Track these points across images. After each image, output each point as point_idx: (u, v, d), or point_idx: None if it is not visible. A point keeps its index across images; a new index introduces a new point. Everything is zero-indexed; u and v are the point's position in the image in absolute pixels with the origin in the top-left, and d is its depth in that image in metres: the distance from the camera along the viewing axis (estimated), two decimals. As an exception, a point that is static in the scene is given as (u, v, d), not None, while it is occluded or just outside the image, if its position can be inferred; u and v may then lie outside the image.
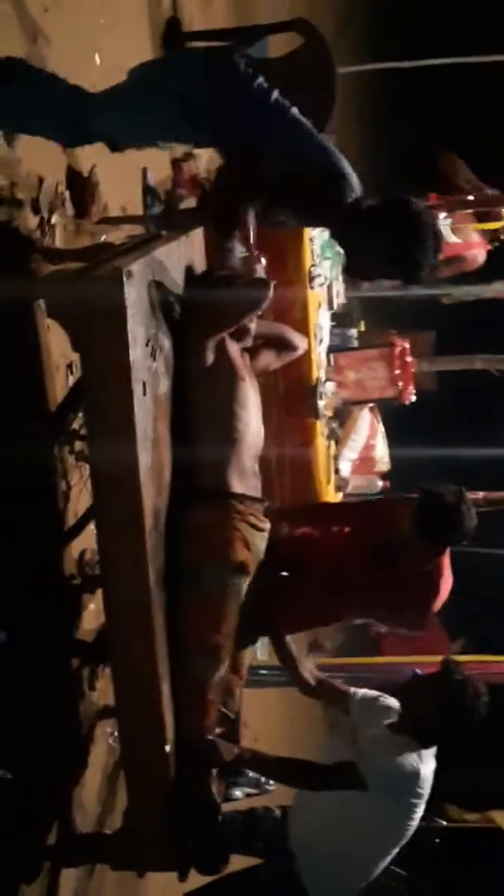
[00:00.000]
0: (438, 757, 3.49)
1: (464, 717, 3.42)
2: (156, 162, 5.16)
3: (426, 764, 3.42)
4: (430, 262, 3.27)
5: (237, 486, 3.56)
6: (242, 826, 3.55)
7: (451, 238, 6.29)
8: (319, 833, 3.46)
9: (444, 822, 8.57)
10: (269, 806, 3.64)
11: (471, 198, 5.35)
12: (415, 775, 3.37)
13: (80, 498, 3.93)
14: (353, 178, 3.35)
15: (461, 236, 6.22)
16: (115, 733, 4.14)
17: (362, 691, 3.73)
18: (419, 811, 3.44)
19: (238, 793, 3.68)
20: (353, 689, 3.76)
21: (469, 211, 6.08)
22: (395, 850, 3.52)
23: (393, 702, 3.63)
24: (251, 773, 3.66)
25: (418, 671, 4.74)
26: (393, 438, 6.04)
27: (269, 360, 3.95)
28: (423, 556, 3.89)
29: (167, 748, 3.31)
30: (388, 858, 3.52)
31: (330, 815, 3.44)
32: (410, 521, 3.82)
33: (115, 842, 3.59)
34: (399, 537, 3.90)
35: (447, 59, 8.58)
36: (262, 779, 3.71)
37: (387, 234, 3.26)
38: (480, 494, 6.36)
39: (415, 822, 3.45)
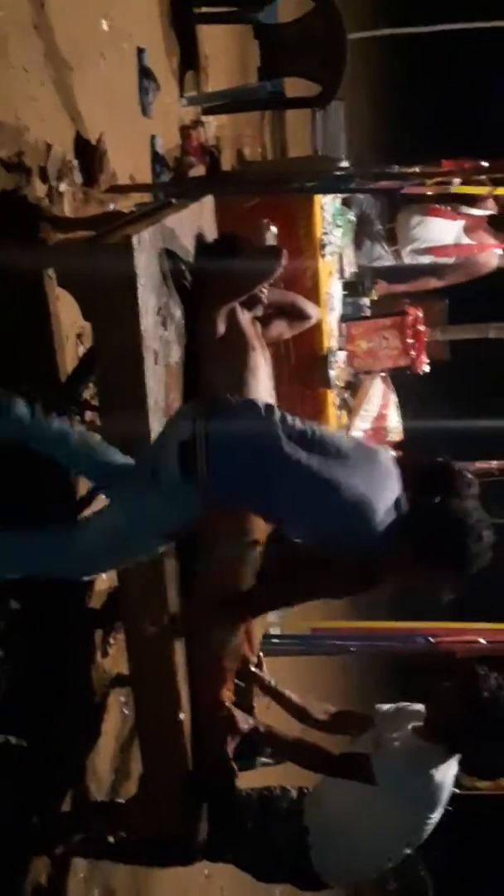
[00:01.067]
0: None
1: (497, 728, 3.30)
2: (164, 129, 5.12)
3: (449, 772, 3.34)
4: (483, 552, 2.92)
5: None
6: (258, 804, 3.53)
7: (464, 239, 6.24)
8: (335, 817, 3.40)
9: (456, 790, 8.63)
10: (285, 786, 3.61)
11: (483, 163, 5.28)
12: (438, 786, 3.27)
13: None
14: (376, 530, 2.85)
15: (474, 238, 6.17)
16: (128, 701, 4.18)
17: (385, 706, 3.59)
18: (436, 818, 3.34)
19: (255, 761, 3.68)
20: (375, 707, 3.62)
21: (483, 213, 6.01)
22: (408, 851, 3.48)
23: (418, 707, 3.51)
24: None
25: (430, 639, 4.74)
26: (406, 408, 6.01)
27: (281, 329, 3.93)
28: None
29: (182, 716, 3.32)
30: (401, 856, 3.47)
31: (348, 803, 3.36)
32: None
33: (130, 808, 3.61)
34: None
35: (456, 24, 8.49)
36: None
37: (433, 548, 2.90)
38: (494, 464, 6.34)
39: (430, 827, 3.36)
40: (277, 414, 2.88)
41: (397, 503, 2.87)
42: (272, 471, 2.79)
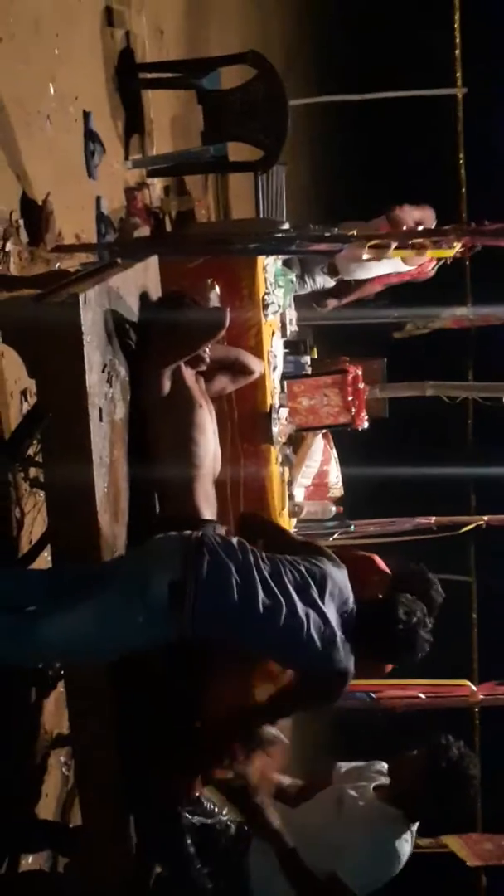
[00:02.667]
0: None
1: (459, 801, 3.38)
2: (110, 191, 5.19)
3: (410, 840, 3.35)
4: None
5: (206, 513, 3.57)
6: (198, 836, 3.48)
7: (403, 268, 6.41)
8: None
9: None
10: (228, 822, 3.57)
11: (421, 227, 5.45)
12: (397, 856, 3.29)
13: (34, 524, 3.92)
14: (341, 660, 3.14)
15: (412, 262, 6.34)
16: (68, 762, 4.13)
17: (346, 765, 3.62)
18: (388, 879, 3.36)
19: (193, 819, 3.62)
20: (336, 765, 3.65)
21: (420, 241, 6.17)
22: None
23: (381, 765, 3.56)
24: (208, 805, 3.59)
25: (372, 695, 4.77)
26: (346, 464, 6.09)
27: (224, 383, 3.98)
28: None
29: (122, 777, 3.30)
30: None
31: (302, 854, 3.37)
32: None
33: (69, 871, 3.56)
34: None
35: (392, 92, 8.77)
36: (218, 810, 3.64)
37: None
38: (432, 519, 6.44)
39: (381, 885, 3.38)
40: (252, 557, 3.08)
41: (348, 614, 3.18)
42: (250, 616, 2.99)
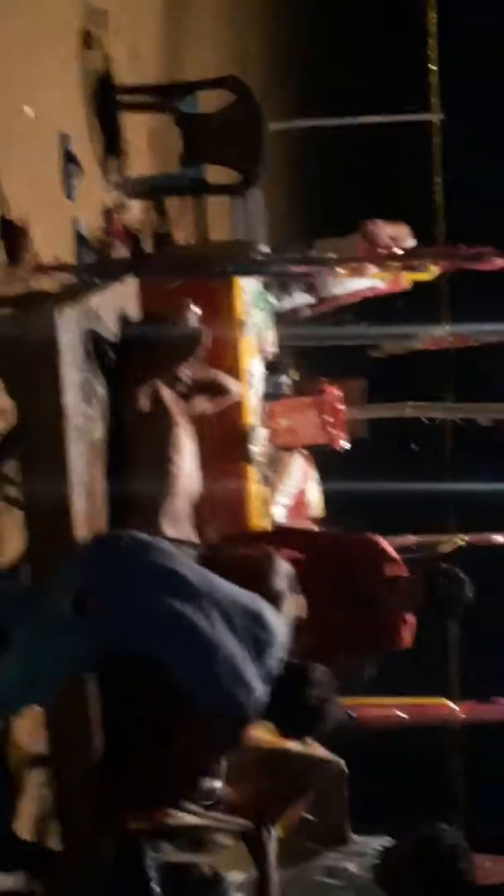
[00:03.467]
0: None
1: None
2: (88, 212, 5.21)
3: None
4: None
5: (170, 532, 3.57)
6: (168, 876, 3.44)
7: (379, 283, 6.46)
8: None
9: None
10: (198, 864, 3.52)
11: (398, 251, 5.50)
12: None
13: (10, 544, 3.91)
14: (244, 697, 2.92)
15: (387, 279, 6.41)
16: (47, 782, 4.10)
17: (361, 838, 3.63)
18: None
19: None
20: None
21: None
22: None
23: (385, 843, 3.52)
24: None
25: (352, 714, 4.76)
26: (325, 484, 6.10)
27: (203, 405, 3.99)
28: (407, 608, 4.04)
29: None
30: None
31: None
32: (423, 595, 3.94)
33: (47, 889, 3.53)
34: (375, 581, 3.94)
35: (370, 117, 8.86)
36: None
37: None
38: (411, 538, 6.45)
39: None
40: (178, 565, 2.94)
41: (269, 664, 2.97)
42: (161, 625, 2.86)
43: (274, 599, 3.19)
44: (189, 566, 3.04)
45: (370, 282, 6.54)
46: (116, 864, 3.30)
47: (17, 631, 2.93)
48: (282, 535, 4.51)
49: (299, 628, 3.65)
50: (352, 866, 3.39)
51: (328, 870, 3.41)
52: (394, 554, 4.16)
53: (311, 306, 6.78)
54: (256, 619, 3.03)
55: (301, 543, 4.16)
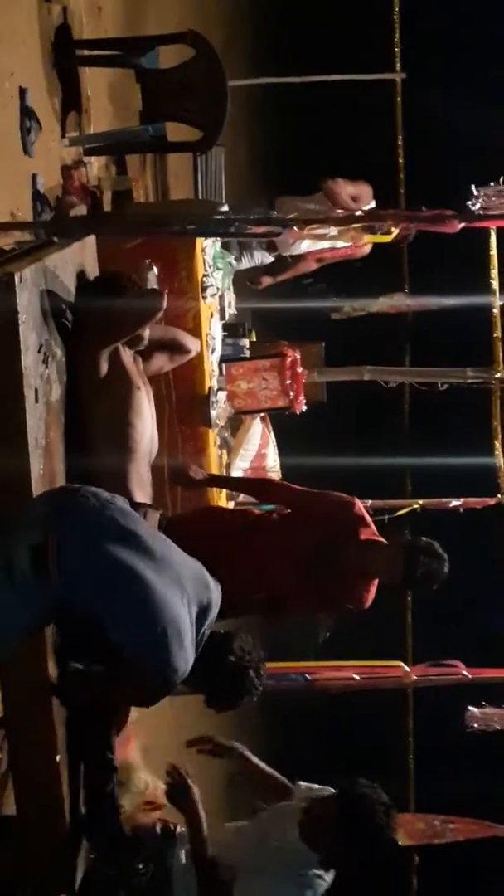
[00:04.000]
0: None
1: (371, 849, 3.31)
2: (46, 169, 5.12)
3: (318, 883, 3.32)
4: None
5: (139, 496, 3.55)
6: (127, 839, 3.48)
7: (339, 244, 6.41)
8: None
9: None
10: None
11: (359, 213, 5.45)
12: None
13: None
14: (180, 660, 2.96)
15: (348, 239, 6.36)
16: (1, 744, 4.09)
17: (305, 785, 3.61)
18: None
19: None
20: (297, 783, 3.63)
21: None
22: None
23: (328, 793, 3.51)
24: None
25: (307, 677, 4.79)
26: (284, 448, 6.11)
27: (161, 362, 3.97)
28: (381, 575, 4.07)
29: (58, 757, 3.28)
30: None
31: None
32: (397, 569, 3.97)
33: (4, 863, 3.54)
34: (348, 541, 3.99)
35: (333, 76, 8.76)
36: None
37: None
38: (368, 503, 6.48)
39: None
40: (132, 523, 2.96)
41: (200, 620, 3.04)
42: (114, 580, 2.88)
43: None
44: (145, 527, 3.05)
45: (330, 241, 6.50)
46: (84, 821, 3.34)
47: None
48: (268, 488, 4.50)
49: (262, 577, 3.70)
50: (285, 825, 3.42)
51: (265, 835, 3.43)
52: (369, 518, 4.17)
53: (271, 273, 6.75)
54: (204, 586, 3.09)
55: (287, 497, 4.22)
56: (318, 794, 3.53)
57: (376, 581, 4.10)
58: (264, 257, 6.66)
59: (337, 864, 3.34)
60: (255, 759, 3.69)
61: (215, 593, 3.14)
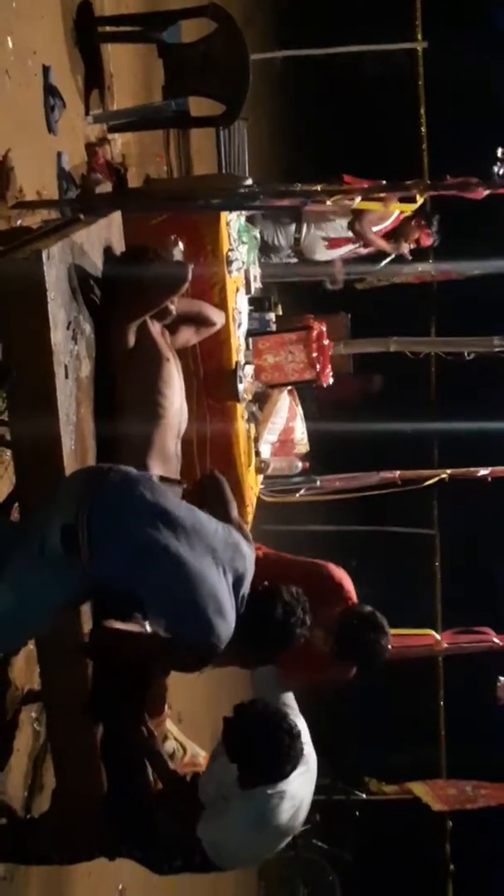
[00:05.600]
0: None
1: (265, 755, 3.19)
2: (70, 146, 5.15)
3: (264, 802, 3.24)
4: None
5: (157, 470, 3.59)
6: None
7: (381, 225, 6.51)
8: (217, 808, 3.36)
9: (364, 795, 8.78)
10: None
11: (384, 182, 5.45)
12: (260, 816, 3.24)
13: (1, 483, 3.93)
14: (222, 629, 3.03)
15: (387, 215, 6.47)
16: (40, 717, 4.18)
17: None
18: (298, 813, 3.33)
19: None
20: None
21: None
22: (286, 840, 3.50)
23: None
24: None
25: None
26: (311, 420, 6.13)
27: (188, 335, 4.00)
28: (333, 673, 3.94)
29: (94, 729, 3.35)
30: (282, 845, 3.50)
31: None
32: (331, 641, 3.81)
33: (43, 824, 3.62)
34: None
35: (354, 46, 8.72)
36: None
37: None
38: (396, 473, 6.51)
39: (290, 821, 3.34)
40: (163, 499, 2.99)
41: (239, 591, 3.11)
42: (148, 558, 2.93)
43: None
44: (176, 501, 3.10)
45: (353, 245, 6.68)
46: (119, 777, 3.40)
47: (5, 568, 2.97)
48: None
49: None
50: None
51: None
52: (350, 590, 4.01)
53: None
54: (236, 551, 3.13)
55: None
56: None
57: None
58: (290, 260, 6.78)
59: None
60: None
61: (249, 555, 3.19)
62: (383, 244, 6.59)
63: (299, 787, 3.30)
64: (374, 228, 6.58)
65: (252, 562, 3.20)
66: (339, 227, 6.58)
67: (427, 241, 6.66)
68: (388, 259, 6.79)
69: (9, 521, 3.36)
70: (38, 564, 2.92)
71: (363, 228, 6.46)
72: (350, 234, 6.58)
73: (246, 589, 3.14)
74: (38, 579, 2.94)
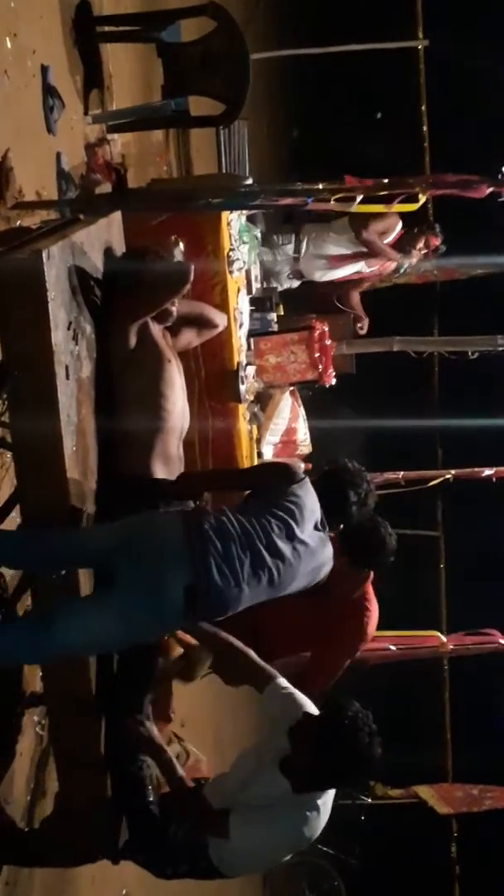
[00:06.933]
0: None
1: (343, 755, 3.18)
2: (70, 147, 5.12)
3: (314, 820, 3.25)
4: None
5: (159, 472, 3.56)
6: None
7: (365, 269, 6.54)
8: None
9: (369, 800, 8.75)
10: None
11: (385, 180, 5.42)
12: (296, 834, 3.25)
13: (1, 485, 3.89)
14: None
15: (372, 264, 6.55)
16: (42, 721, 4.15)
17: (285, 686, 3.49)
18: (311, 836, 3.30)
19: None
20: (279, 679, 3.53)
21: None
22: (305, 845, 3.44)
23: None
24: None
25: None
26: (313, 420, 6.10)
27: (190, 337, 3.97)
28: (352, 584, 4.04)
29: (98, 732, 3.32)
30: (294, 851, 3.45)
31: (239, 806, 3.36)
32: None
33: (46, 826, 3.59)
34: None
35: (354, 45, 8.68)
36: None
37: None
38: (400, 474, 6.47)
39: (314, 834, 3.32)
40: (244, 530, 3.18)
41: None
42: (247, 594, 3.17)
43: None
44: (237, 525, 3.19)
45: (356, 267, 6.69)
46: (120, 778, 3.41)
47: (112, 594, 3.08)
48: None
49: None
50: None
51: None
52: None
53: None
54: (301, 509, 3.32)
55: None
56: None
57: (371, 609, 4.06)
58: (291, 283, 6.74)
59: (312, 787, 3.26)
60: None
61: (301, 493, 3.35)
62: (392, 253, 6.56)
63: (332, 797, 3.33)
64: (365, 270, 6.63)
65: (312, 494, 3.39)
66: (340, 242, 6.56)
67: (436, 242, 6.64)
68: (401, 269, 6.78)
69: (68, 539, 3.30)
70: (154, 609, 3.07)
71: (370, 236, 6.44)
72: (350, 251, 6.56)
73: (318, 517, 3.37)
74: (147, 620, 3.10)
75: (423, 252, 6.63)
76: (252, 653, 3.43)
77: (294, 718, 3.29)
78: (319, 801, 3.24)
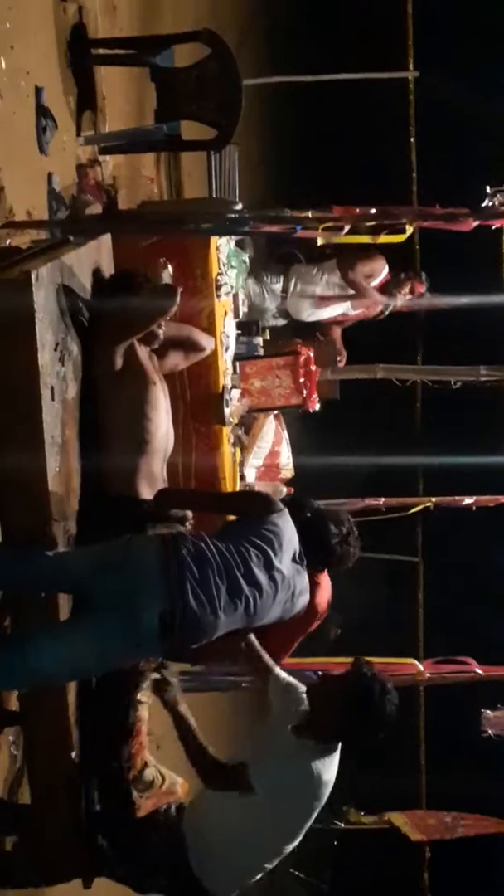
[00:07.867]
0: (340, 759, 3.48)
1: (372, 714, 3.36)
2: (61, 168, 5.15)
3: (328, 769, 3.39)
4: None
5: (143, 493, 3.58)
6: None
7: (352, 311, 6.61)
8: (213, 822, 3.41)
9: (342, 825, 8.72)
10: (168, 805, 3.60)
11: (373, 210, 5.46)
12: (315, 782, 3.35)
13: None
14: None
15: (360, 305, 6.59)
16: (17, 741, 4.13)
17: (288, 679, 3.68)
18: (314, 815, 3.41)
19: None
20: (278, 670, 3.71)
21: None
22: (287, 850, 3.51)
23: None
24: None
25: (320, 674, 4.80)
26: (297, 445, 6.12)
27: (176, 360, 4.00)
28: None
29: (73, 754, 3.31)
30: (278, 858, 3.51)
31: (226, 809, 3.39)
32: None
33: (18, 849, 3.57)
34: None
35: (346, 74, 8.77)
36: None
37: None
38: (381, 500, 6.49)
39: (308, 824, 3.43)
40: (222, 557, 3.20)
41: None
42: (224, 620, 3.20)
43: None
44: (216, 551, 3.21)
45: (343, 308, 6.75)
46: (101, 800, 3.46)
47: (87, 618, 3.10)
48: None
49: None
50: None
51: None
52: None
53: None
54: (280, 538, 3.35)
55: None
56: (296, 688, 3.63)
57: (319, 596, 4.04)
58: (277, 321, 6.79)
59: (340, 738, 3.42)
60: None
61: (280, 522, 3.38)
62: (377, 296, 6.64)
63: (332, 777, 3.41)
64: (352, 312, 6.71)
65: (290, 524, 3.41)
66: (328, 283, 6.62)
67: (421, 289, 6.74)
68: (385, 312, 6.85)
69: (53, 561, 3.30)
70: (129, 635, 3.09)
71: (356, 277, 6.51)
72: (338, 291, 6.62)
73: (296, 548, 3.41)
74: (121, 646, 3.12)
75: (407, 297, 6.72)
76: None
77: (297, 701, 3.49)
78: (332, 756, 3.39)
